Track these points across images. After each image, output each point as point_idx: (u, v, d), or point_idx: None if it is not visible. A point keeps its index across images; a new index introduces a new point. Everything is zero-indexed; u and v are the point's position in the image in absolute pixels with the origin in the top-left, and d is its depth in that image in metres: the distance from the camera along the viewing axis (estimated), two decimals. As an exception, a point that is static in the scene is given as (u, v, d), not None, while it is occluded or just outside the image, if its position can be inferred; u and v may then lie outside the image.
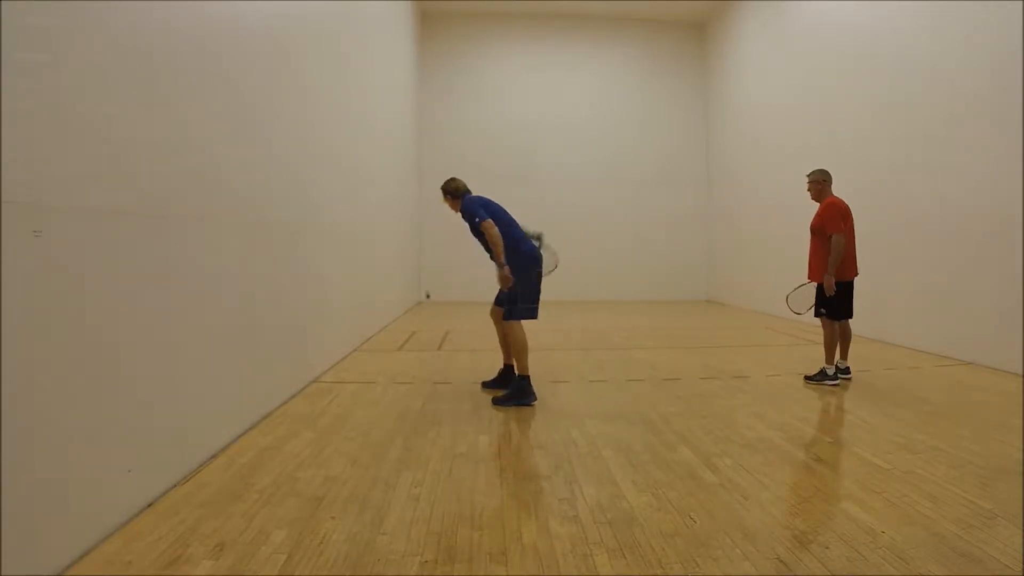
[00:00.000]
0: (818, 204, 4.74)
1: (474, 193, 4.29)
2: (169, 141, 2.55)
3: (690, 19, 11.89)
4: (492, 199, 4.23)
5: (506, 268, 3.95)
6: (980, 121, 5.37)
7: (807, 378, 4.68)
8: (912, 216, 6.24)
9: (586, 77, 11.92)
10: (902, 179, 6.42)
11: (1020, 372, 4.82)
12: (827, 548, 2.05)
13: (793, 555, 2.00)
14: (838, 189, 4.82)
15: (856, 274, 4.69)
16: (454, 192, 4.28)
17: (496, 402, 3.98)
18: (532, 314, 4.09)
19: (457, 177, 4.37)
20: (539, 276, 4.13)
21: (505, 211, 4.22)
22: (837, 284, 4.51)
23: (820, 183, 4.72)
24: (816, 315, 4.73)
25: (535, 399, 3.97)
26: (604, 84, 11.95)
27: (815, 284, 4.75)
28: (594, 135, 11.78)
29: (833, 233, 4.46)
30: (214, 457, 2.87)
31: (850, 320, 4.70)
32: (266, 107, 3.68)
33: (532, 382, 4.04)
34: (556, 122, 11.66)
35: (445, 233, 11.39)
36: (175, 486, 2.51)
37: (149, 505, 2.32)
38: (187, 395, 2.67)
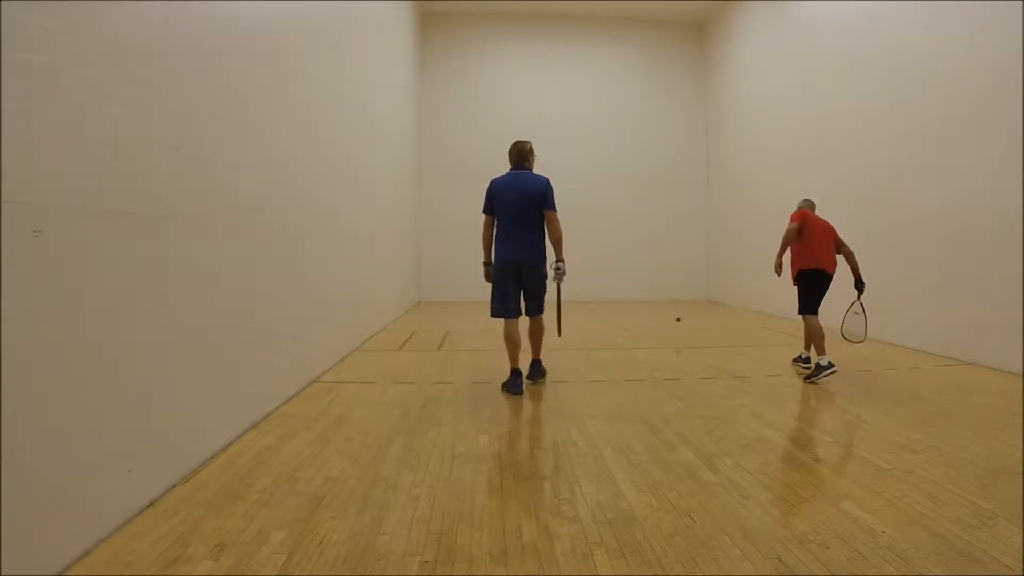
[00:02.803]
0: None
1: (523, 168, 4.39)
2: (169, 141, 2.55)
3: (690, 19, 11.89)
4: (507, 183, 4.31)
5: (487, 267, 4.41)
6: (980, 121, 5.37)
7: (806, 379, 4.69)
8: (912, 216, 6.24)
9: (586, 77, 11.92)
10: (902, 179, 6.42)
11: (1020, 372, 4.82)
12: (827, 548, 2.05)
13: (793, 555, 2.00)
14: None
15: (823, 266, 4.84)
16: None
17: (503, 387, 4.32)
18: (493, 312, 4.36)
19: (521, 141, 4.44)
20: (500, 279, 4.27)
21: (511, 201, 4.24)
22: (807, 272, 4.81)
23: (796, 212, 5.12)
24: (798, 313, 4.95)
25: (519, 391, 4.21)
26: (604, 84, 11.95)
27: (858, 304, 5.03)
28: (594, 135, 11.78)
29: (790, 223, 4.89)
30: (214, 457, 2.87)
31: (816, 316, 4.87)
32: (266, 107, 3.68)
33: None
34: (556, 122, 11.65)
35: (445, 233, 11.44)
36: (175, 486, 2.51)
37: (149, 505, 2.32)
38: (187, 395, 2.67)
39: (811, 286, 4.83)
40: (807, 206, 5.15)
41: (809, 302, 4.84)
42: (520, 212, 4.21)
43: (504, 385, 4.33)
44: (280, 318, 3.87)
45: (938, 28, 5.90)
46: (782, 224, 5.63)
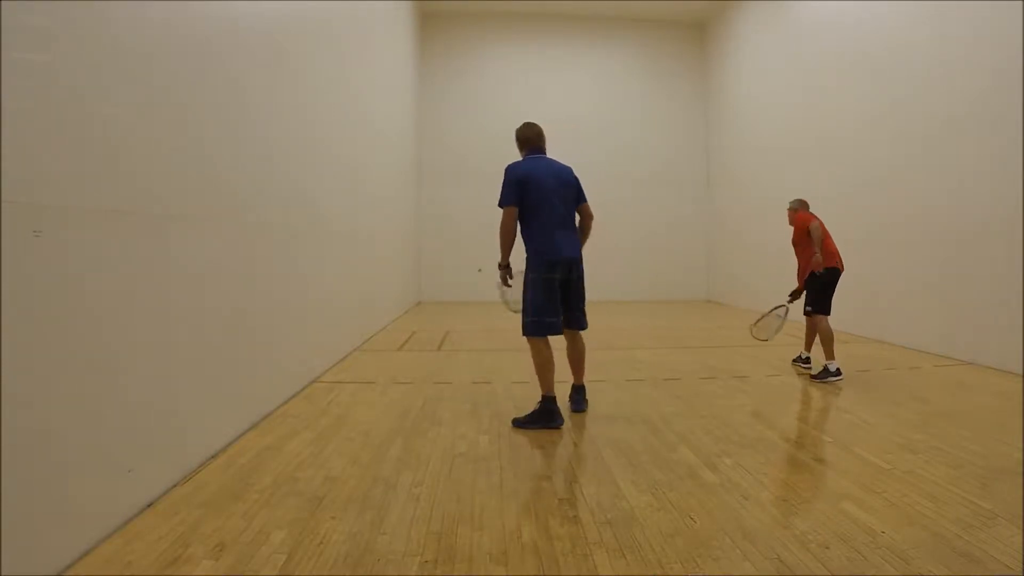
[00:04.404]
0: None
1: (549, 153, 3.73)
2: (169, 141, 2.55)
3: (690, 19, 11.89)
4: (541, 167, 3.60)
5: (505, 270, 3.60)
6: (980, 121, 5.37)
7: (813, 377, 4.73)
8: (912, 216, 6.24)
9: (586, 77, 11.93)
10: (901, 179, 6.42)
11: (1020, 372, 4.82)
12: (827, 548, 2.05)
13: (793, 555, 2.00)
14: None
15: (839, 264, 4.83)
16: (520, 142, 3.69)
17: (515, 422, 3.47)
18: (535, 329, 3.48)
19: (534, 123, 3.74)
20: (549, 283, 3.50)
21: (551, 187, 3.52)
22: (827, 271, 4.75)
23: (796, 212, 5.08)
24: (804, 314, 4.94)
25: (561, 422, 3.45)
26: (604, 84, 11.96)
27: (783, 308, 5.16)
28: (594, 135, 11.78)
29: (810, 224, 4.78)
30: (214, 457, 2.87)
31: (828, 317, 4.85)
32: (266, 107, 3.68)
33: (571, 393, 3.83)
34: (556, 122, 11.57)
35: (445, 233, 11.44)
36: (175, 486, 2.51)
37: (149, 505, 2.32)
38: (187, 395, 2.67)
39: (829, 287, 4.79)
40: (803, 207, 5.13)
41: (826, 303, 4.79)
42: (562, 202, 3.57)
43: (536, 417, 3.45)
44: (280, 318, 3.87)
45: (938, 28, 5.90)
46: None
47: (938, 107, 5.88)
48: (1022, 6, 4.88)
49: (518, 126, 3.76)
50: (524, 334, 3.55)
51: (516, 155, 3.79)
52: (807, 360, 5.10)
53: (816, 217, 4.89)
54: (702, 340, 6.94)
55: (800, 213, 5.00)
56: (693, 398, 4.15)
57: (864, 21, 7.07)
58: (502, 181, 3.53)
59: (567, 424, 3.53)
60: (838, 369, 4.63)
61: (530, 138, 3.68)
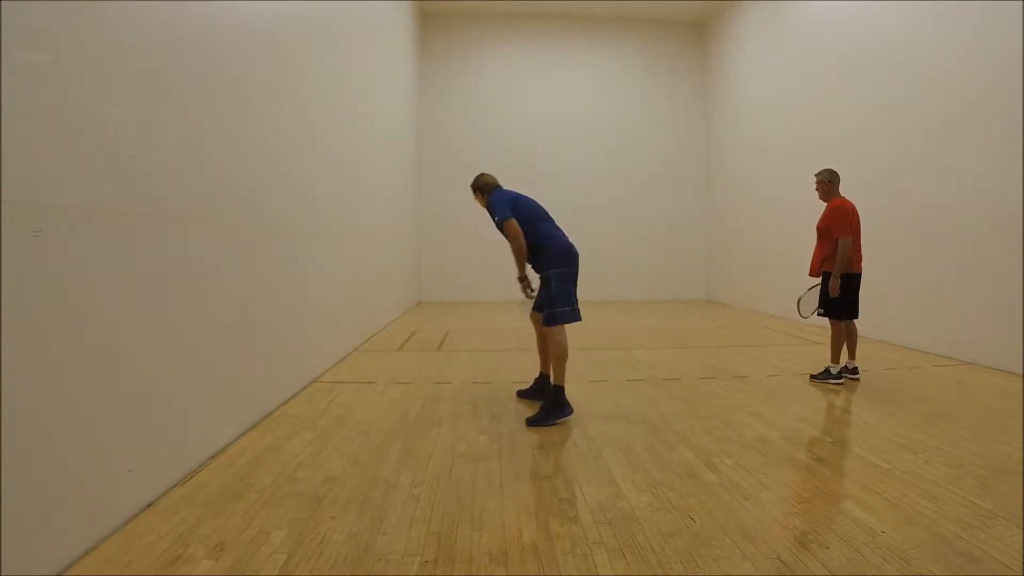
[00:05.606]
0: (824, 204, 4.79)
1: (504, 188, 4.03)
2: (168, 141, 2.55)
3: (690, 19, 11.89)
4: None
5: (525, 280, 3.80)
6: (980, 121, 5.37)
7: (812, 377, 4.71)
8: (912, 216, 6.24)
9: (586, 77, 11.92)
10: (902, 179, 6.42)
11: (1020, 372, 4.82)
12: (827, 548, 2.05)
13: (793, 555, 2.00)
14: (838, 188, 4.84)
15: (860, 268, 4.65)
16: (483, 187, 4.01)
17: (530, 422, 3.53)
18: (575, 316, 3.74)
19: (487, 173, 4.11)
20: (574, 275, 3.81)
21: (537, 204, 3.91)
22: (843, 277, 4.55)
23: (827, 183, 4.76)
24: (818, 315, 4.81)
25: (571, 411, 3.62)
26: (604, 84, 11.95)
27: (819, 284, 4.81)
28: (594, 135, 11.78)
29: (840, 236, 4.51)
30: (214, 457, 2.87)
31: (855, 320, 4.71)
32: (266, 107, 3.68)
33: (534, 382, 4.01)
34: (556, 122, 11.65)
35: (445, 233, 11.45)
36: (175, 486, 2.51)
37: (149, 505, 2.32)
38: (187, 395, 2.67)
39: (854, 291, 4.58)
40: (833, 179, 4.72)
41: (840, 307, 4.57)
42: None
43: (551, 411, 3.59)
44: (280, 318, 3.87)
45: (938, 28, 5.90)
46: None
47: (938, 107, 5.88)
48: (1022, 6, 4.88)
49: (475, 181, 4.02)
50: (557, 323, 3.67)
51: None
52: (855, 370, 4.72)
53: (849, 219, 4.52)
54: (702, 340, 6.94)
55: (837, 202, 4.60)
56: (693, 398, 4.15)
57: (864, 21, 7.07)
58: (495, 204, 3.76)
59: (567, 424, 3.53)
60: (840, 373, 4.61)
61: (492, 182, 4.02)
